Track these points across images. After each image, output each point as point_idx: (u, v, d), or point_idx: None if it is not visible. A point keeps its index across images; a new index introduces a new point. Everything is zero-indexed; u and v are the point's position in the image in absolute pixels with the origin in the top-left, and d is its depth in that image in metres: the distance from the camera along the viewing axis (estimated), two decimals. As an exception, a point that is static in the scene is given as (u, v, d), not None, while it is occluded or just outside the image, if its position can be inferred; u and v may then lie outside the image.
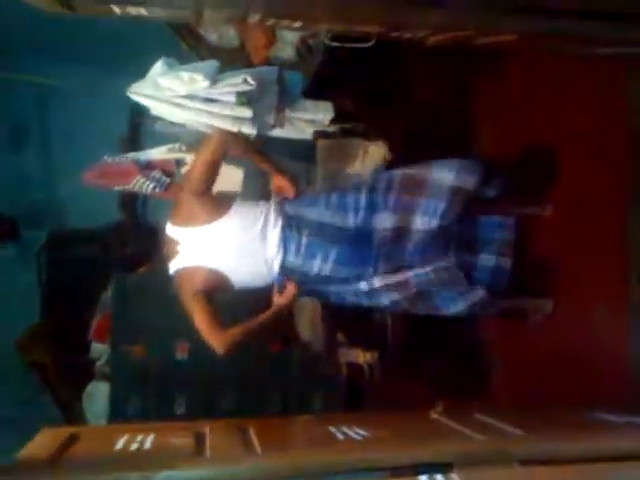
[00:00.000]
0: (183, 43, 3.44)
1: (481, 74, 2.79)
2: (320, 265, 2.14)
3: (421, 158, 2.23)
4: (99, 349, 3.58)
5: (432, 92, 3.07)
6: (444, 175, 2.16)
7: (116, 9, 1.22)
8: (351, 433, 1.34)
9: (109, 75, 3.82)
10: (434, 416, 1.53)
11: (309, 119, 2.88)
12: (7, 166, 3.88)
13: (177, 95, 2.45)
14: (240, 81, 2.47)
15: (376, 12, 1.06)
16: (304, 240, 2.13)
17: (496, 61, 2.57)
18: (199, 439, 1.32)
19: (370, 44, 1.42)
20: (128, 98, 3.83)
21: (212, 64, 2.53)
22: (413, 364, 2.71)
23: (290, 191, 2.26)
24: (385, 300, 2.26)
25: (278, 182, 2.27)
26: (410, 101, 3.10)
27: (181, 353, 3.21)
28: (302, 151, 3.05)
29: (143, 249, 3.42)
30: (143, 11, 1.20)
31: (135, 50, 3.21)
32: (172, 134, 2.98)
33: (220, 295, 2.17)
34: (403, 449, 1.21)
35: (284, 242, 2.12)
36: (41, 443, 1.39)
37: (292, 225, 2.14)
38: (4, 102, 3.81)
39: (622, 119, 2.05)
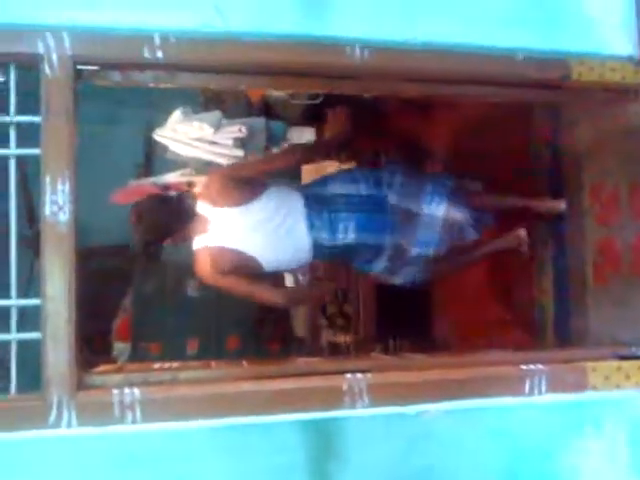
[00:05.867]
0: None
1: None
2: (344, 234, 2.38)
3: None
4: (120, 348, 4.22)
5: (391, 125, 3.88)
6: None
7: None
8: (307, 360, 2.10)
9: (125, 113, 4.59)
10: (373, 354, 2.29)
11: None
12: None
13: (190, 138, 3.39)
14: (236, 130, 3.42)
15: (310, 84, 1.86)
16: (326, 215, 2.37)
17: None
18: (206, 365, 2.08)
19: (319, 101, 2.19)
20: (141, 133, 4.57)
21: (216, 115, 3.48)
22: (382, 342, 3.44)
23: None
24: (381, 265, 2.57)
25: None
26: (380, 131, 3.90)
27: (191, 349, 3.89)
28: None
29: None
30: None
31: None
32: (179, 161, 3.75)
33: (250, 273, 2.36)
34: (337, 363, 1.95)
35: (310, 221, 2.36)
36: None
37: (312, 204, 2.38)
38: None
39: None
